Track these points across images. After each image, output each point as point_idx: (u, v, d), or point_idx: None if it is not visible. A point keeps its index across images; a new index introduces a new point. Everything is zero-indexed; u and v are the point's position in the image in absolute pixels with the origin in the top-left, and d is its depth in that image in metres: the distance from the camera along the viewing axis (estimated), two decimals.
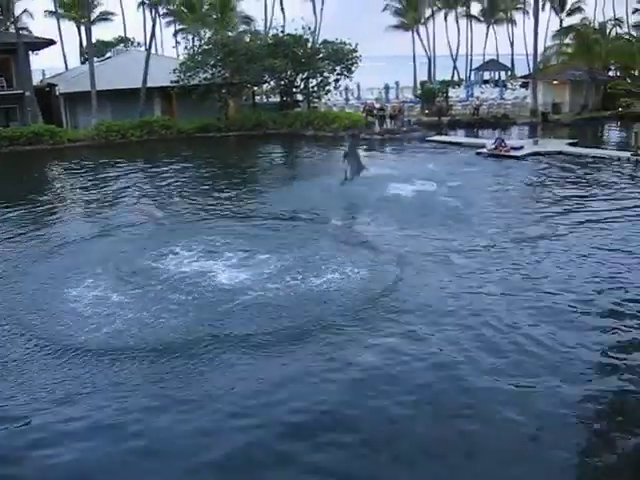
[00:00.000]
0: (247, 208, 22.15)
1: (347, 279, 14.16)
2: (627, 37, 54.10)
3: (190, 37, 53.34)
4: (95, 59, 43.93)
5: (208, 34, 51.77)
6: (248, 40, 45.11)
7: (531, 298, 13.29)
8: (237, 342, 11.46)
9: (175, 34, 67.46)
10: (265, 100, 48.75)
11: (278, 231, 18.81)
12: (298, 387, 10.15)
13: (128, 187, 26.37)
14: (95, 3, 60.79)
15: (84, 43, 55.98)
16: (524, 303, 13.06)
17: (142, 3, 64.15)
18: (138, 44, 65.91)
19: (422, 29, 66.69)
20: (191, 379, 10.41)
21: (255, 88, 46.32)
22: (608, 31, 50.83)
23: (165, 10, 64.29)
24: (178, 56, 52.56)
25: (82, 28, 58.52)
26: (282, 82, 43.43)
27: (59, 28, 58.75)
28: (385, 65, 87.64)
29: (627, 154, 30.27)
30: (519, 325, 12.04)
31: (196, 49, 43.37)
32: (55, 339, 11.77)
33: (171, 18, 67.66)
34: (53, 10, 60.26)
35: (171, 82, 39.64)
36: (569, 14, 66.86)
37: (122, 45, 64.15)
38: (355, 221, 20.50)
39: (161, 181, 27.64)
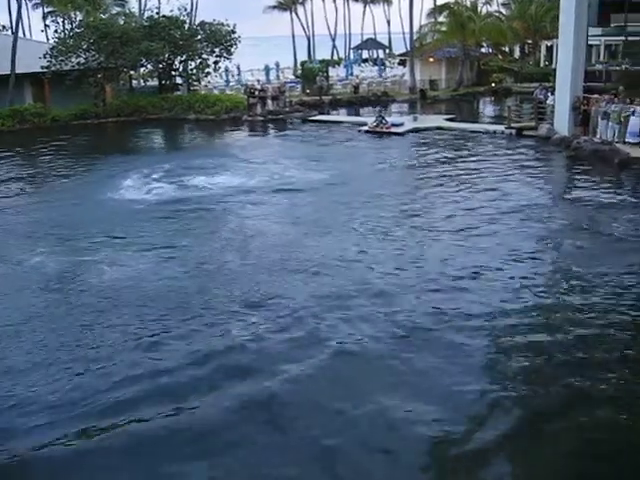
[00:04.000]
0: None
1: None
2: (497, 15, 56.17)
3: (60, 20, 51.16)
4: None
5: (79, 17, 49.82)
6: (122, 23, 43.70)
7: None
8: None
9: (44, 17, 64.48)
10: (143, 84, 47.46)
11: None
12: None
13: None
14: None
15: None
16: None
17: None
18: (3, 27, 62.52)
19: (300, 9, 66.90)
20: None
21: (132, 72, 44.99)
22: (479, 9, 52.54)
23: None
24: (48, 40, 50.28)
25: None
26: (160, 65, 42.37)
27: None
28: (265, 46, 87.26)
29: (501, 127, 31.48)
30: None
31: (67, 33, 41.59)
32: None
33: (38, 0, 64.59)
34: None
35: (42, 67, 37.88)
36: None
37: None
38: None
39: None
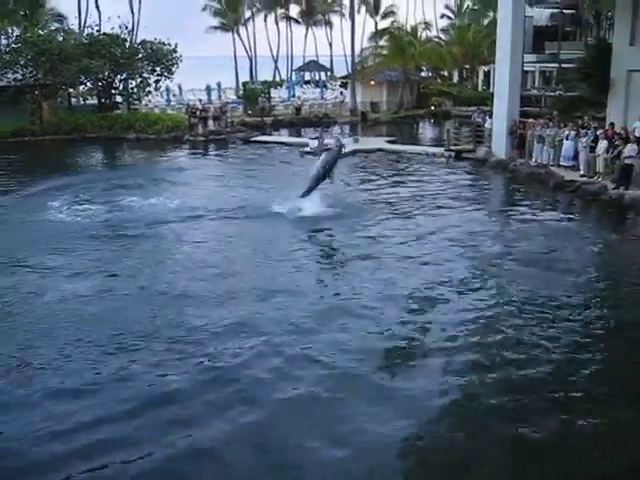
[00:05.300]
0: None
1: None
2: (436, 40, 57.39)
3: None
4: None
5: (17, 32, 48.75)
6: (61, 39, 42.96)
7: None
8: None
9: None
10: (83, 102, 46.65)
11: None
12: None
13: None
14: None
15: None
16: None
17: None
18: None
19: (242, 30, 67.08)
20: None
21: (71, 90, 44.24)
22: (419, 34, 53.53)
23: None
24: None
25: None
26: (100, 83, 41.80)
27: None
28: (207, 65, 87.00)
29: (441, 150, 32.03)
30: None
31: (4, 48, 40.68)
32: None
33: None
34: None
35: None
36: (383, 17, 69.89)
37: None
38: None
39: None
